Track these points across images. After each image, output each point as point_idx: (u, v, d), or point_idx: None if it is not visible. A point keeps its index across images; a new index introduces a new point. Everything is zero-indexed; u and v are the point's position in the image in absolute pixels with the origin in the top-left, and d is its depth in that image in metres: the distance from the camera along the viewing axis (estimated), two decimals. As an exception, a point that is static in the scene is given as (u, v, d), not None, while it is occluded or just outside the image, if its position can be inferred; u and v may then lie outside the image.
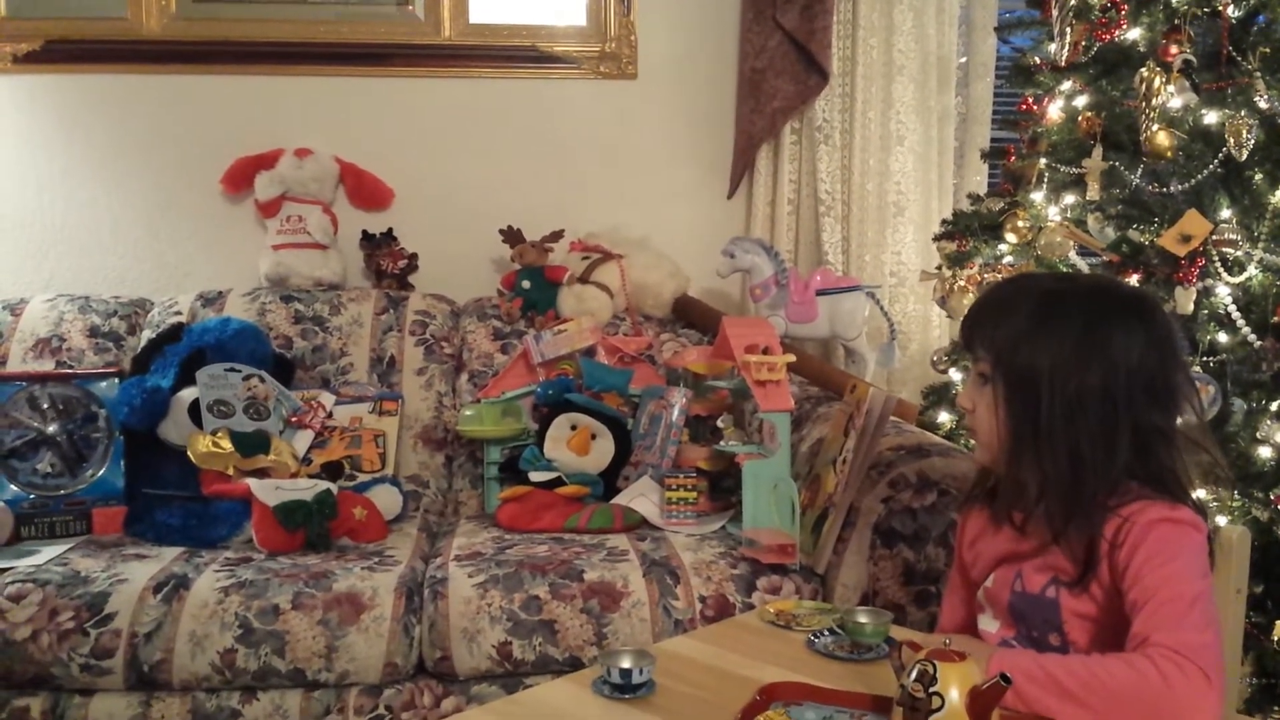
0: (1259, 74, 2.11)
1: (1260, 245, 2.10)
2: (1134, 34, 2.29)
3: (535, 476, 2.56)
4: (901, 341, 3.10)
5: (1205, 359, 2.13)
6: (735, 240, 2.95)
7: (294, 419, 2.64)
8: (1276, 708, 2.04)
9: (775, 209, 3.22)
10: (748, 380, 2.34)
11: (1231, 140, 2.08)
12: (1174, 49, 2.15)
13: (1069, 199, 2.39)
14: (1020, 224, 2.42)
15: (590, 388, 2.71)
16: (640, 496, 2.52)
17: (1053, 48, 2.43)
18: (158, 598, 2.07)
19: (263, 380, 2.61)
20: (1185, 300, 2.08)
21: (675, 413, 2.58)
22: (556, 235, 3.08)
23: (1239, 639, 1.52)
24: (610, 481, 2.61)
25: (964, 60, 3.29)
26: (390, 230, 3.19)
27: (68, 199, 3.16)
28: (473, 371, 2.90)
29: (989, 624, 1.47)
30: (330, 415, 2.69)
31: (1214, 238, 2.08)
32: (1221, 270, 2.09)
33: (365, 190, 3.19)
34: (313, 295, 2.98)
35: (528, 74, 3.23)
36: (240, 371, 2.59)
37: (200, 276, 3.13)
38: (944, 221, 2.78)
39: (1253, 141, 2.07)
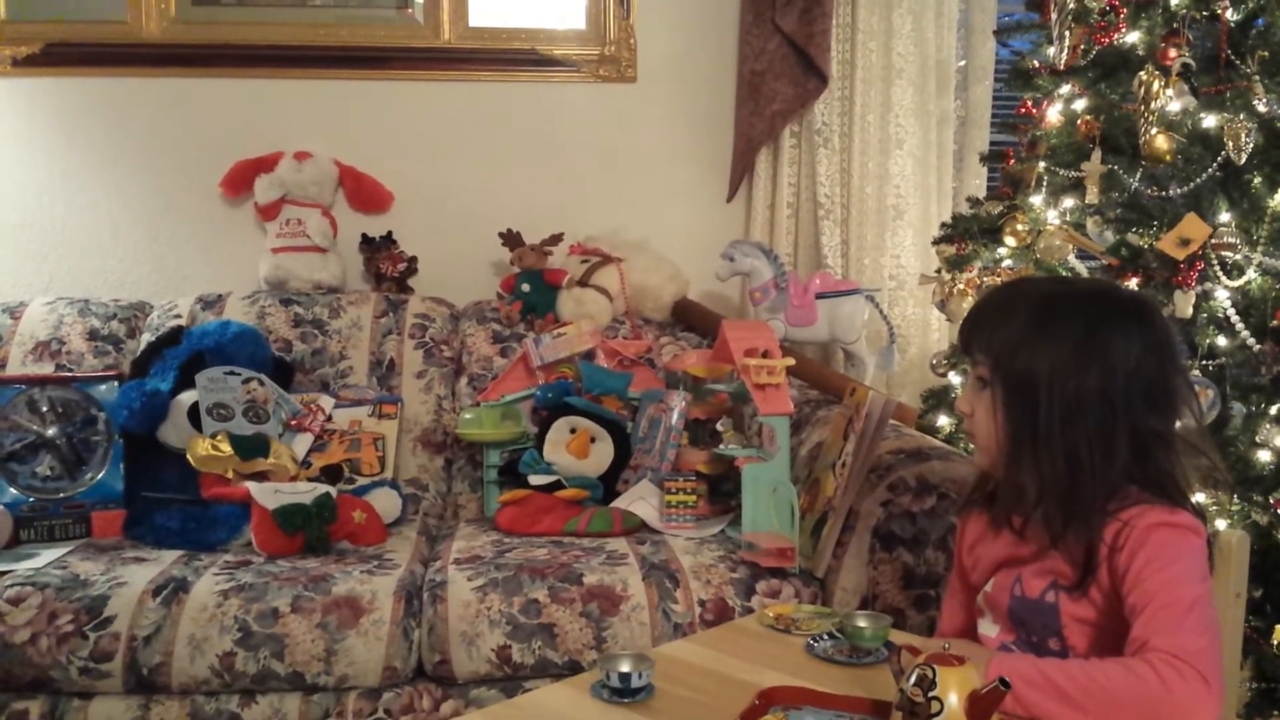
0: (1258, 77, 2.11)
1: (1259, 249, 2.10)
2: (1133, 37, 2.29)
3: (534, 480, 2.56)
4: (901, 345, 3.11)
5: (1204, 363, 2.13)
6: (734, 243, 2.96)
7: (293, 422, 2.64)
8: (1276, 712, 2.04)
9: (774, 212, 3.22)
10: (747, 384, 2.34)
11: (1230, 144, 2.08)
12: (1173, 52, 2.16)
13: (1068, 202, 2.39)
14: (1019, 227, 2.43)
15: (589, 391, 2.71)
16: (639, 500, 2.52)
17: (1052, 51, 2.43)
18: (157, 601, 2.07)
19: (262, 383, 2.61)
20: (1184, 304, 2.08)
21: (674, 416, 2.58)
22: (556, 238, 3.08)
23: (1238, 643, 1.52)
24: (610, 485, 2.61)
25: (963, 64, 3.29)
26: (390, 233, 3.19)
27: (67, 202, 3.16)
28: (472, 375, 2.90)
29: (989, 628, 1.47)
30: (329, 418, 2.69)
31: (1213, 241, 2.08)
32: (1220, 274, 2.09)
33: (365, 193, 3.19)
34: (312, 298, 2.98)
35: (527, 77, 3.24)
36: (240, 375, 2.59)
37: (200, 279, 3.13)
38: (943, 225, 2.78)
39: (1251, 145, 2.07)
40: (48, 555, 2.29)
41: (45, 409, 2.56)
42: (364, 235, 3.19)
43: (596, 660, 1.74)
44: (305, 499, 2.34)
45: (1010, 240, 2.44)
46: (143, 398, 2.53)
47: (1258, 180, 2.12)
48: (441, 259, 3.20)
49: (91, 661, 2.02)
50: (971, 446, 1.66)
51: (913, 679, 1.15)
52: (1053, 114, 2.46)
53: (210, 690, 2.05)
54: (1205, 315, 2.12)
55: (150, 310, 2.98)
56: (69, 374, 2.72)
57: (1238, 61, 2.16)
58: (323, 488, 2.42)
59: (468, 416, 2.72)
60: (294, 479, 2.52)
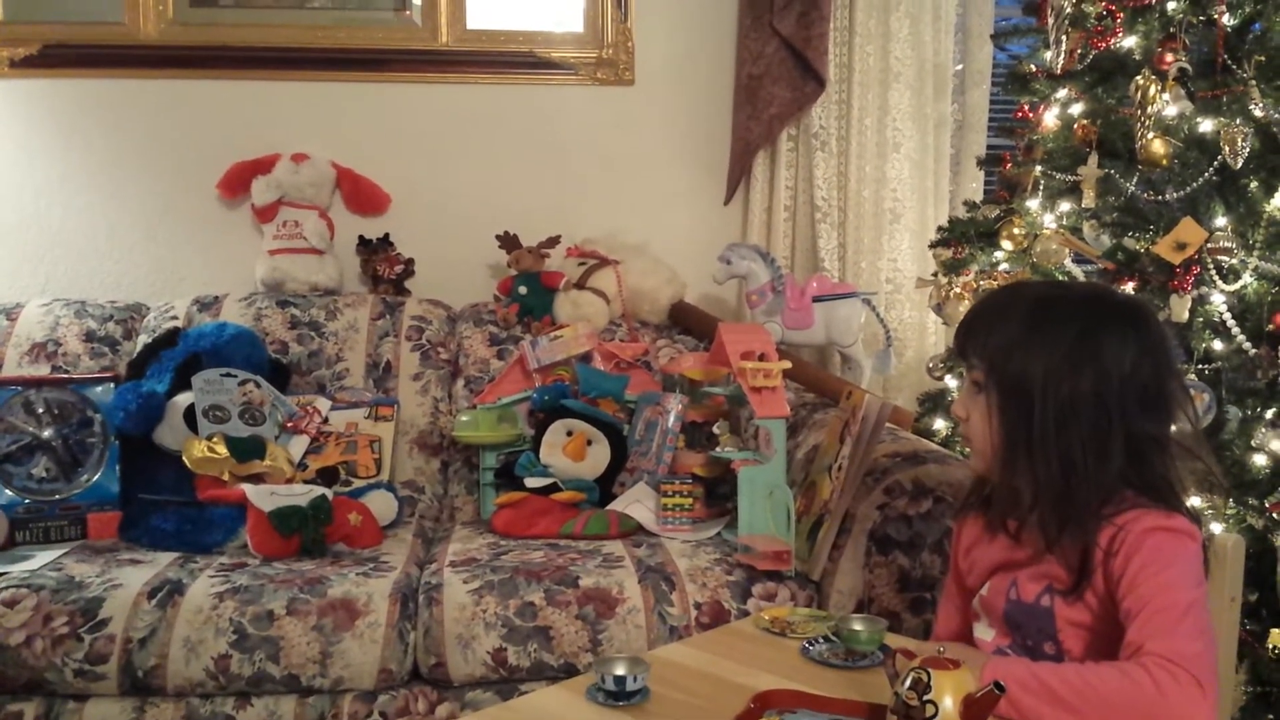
0: (1254, 82, 2.11)
1: (1255, 253, 2.10)
2: (1129, 42, 2.29)
3: (531, 482, 2.56)
4: (897, 348, 3.11)
5: (1200, 367, 2.13)
6: (732, 247, 2.96)
7: (290, 424, 2.64)
8: (1271, 716, 2.04)
9: (772, 215, 3.22)
10: (744, 387, 2.34)
11: (1227, 148, 2.08)
12: (1169, 57, 2.16)
13: (1064, 206, 2.40)
14: (1016, 231, 2.43)
15: (586, 393, 2.71)
16: (636, 502, 2.52)
17: (1048, 55, 2.43)
18: (152, 603, 2.07)
19: (258, 385, 2.61)
20: (1180, 308, 2.08)
21: (671, 419, 2.58)
22: (553, 241, 3.08)
23: (1233, 647, 1.53)
24: (606, 487, 2.61)
25: (960, 68, 3.30)
26: (387, 235, 3.19)
27: (64, 203, 3.16)
28: (469, 377, 2.90)
29: (984, 632, 1.47)
30: (326, 420, 2.69)
31: (1209, 245, 2.08)
32: (1216, 278, 2.09)
33: (362, 195, 3.19)
34: (309, 300, 2.98)
35: (525, 80, 3.24)
36: (236, 377, 2.58)
37: (196, 281, 3.13)
38: (940, 228, 2.79)
39: (1248, 149, 2.07)
40: (43, 557, 2.29)
41: (41, 410, 2.56)
42: (361, 237, 3.19)
43: (592, 663, 1.74)
44: (301, 501, 2.34)
45: (1007, 244, 2.45)
46: (139, 399, 2.52)
47: (1254, 185, 2.12)
48: (439, 261, 3.20)
49: (86, 664, 2.01)
50: (967, 450, 1.66)
51: (908, 682, 1.16)
52: (1049, 118, 2.46)
53: (205, 693, 2.05)
54: (1201, 319, 2.12)
55: (147, 312, 2.98)
56: (65, 375, 2.72)
57: (1234, 66, 2.16)
58: (319, 490, 2.42)
59: (464, 419, 2.72)
60: (290, 481, 2.51)
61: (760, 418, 2.31)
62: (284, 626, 2.05)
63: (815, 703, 1.33)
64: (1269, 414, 2.09)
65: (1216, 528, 1.98)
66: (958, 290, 2.54)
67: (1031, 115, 2.55)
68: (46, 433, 2.55)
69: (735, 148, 3.24)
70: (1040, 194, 2.46)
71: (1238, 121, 2.09)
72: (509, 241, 3.07)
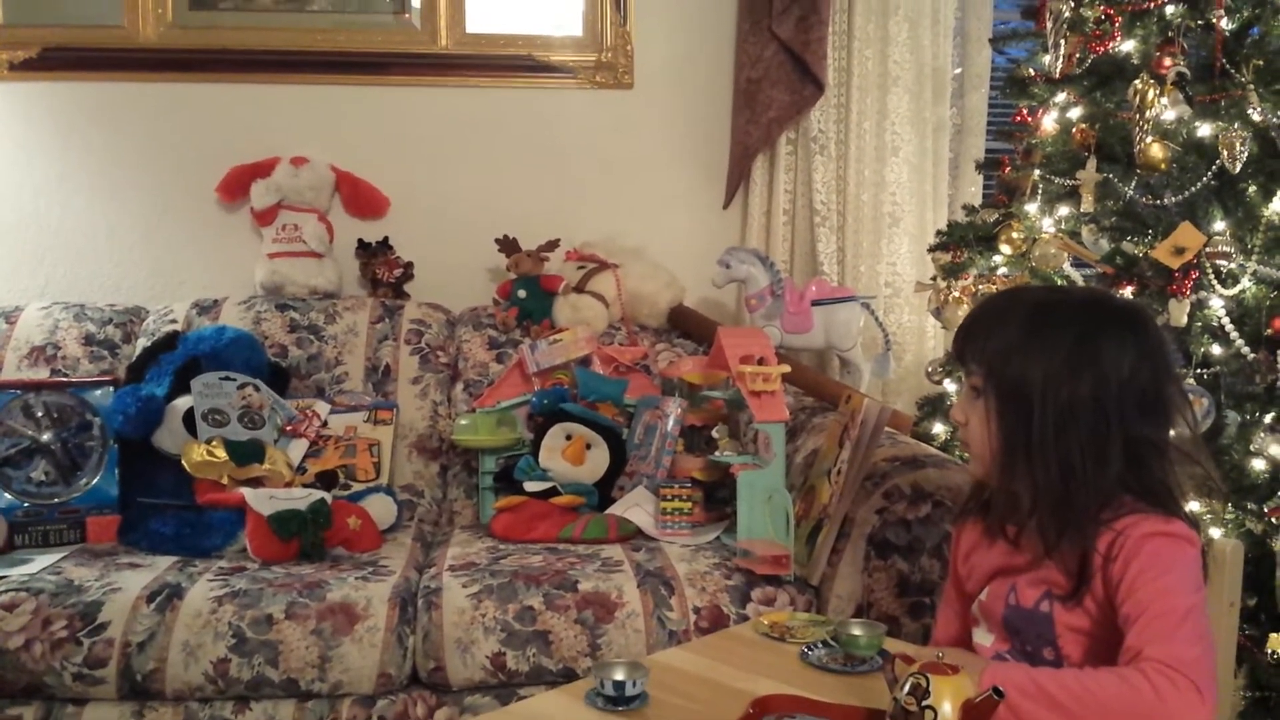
0: (1252, 86, 2.12)
1: (1254, 257, 2.11)
2: (1128, 46, 2.30)
3: (530, 486, 2.56)
4: (896, 352, 3.11)
5: (1199, 371, 2.14)
6: (730, 250, 2.96)
7: (289, 428, 2.64)
8: (1270, 720, 2.05)
9: (770, 219, 3.22)
10: (743, 391, 2.34)
11: (1225, 153, 2.09)
12: (1167, 61, 2.17)
13: (1063, 210, 2.40)
14: (1015, 235, 2.44)
15: (585, 397, 2.71)
16: (635, 507, 2.52)
17: (1047, 60, 2.44)
18: (151, 607, 2.06)
19: (257, 389, 2.60)
20: (1179, 312, 2.08)
21: (670, 423, 2.58)
22: (552, 245, 3.08)
23: (1232, 652, 1.53)
24: (605, 491, 2.61)
25: (959, 72, 3.30)
26: (386, 239, 3.19)
27: (64, 206, 3.15)
28: (468, 381, 2.90)
29: (984, 637, 1.47)
30: (325, 424, 2.69)
31: (1208, 250, 2.09)
32: (1215, 282, 2.10)
33: (361, 199, 3.19)
34: (308, 304, 2.97)
35: (524, 83, 3.24)
36: (235, 380, 2.58)
37: (196, 284, 3.13)
38: (939, 233, 2.79)
39: (1246, 154, 2.08)
40: (42, 561, 2.29)
41: (40, 414, 2.55)
42: (360, 241, 3.19)
43: (591, 668, 1.74)
44: (300, 505, 2.33)
45: (1005, 248, 2.45)
46: (138, 403, 2.52)
47: (1252, 189, 2.13)
48: (438, 265, 3.20)
49: (85, 668, 2.01)
50: (966, 455, 1.66)
51: (907, 687, 1.16)
52: (1048, 122, 2.47)
53: (204, 697, 2.05)
54: (1200, 324, 2.13)
55: (146, 315, 2.97)
56: (64, 379, 2.72)
57: (1232, 70, 2.17)
58: (318, 493, 2.41)
59: (463, 422, 2.72)
60: (289, 485, 2.52)
61: (759, 422, 2.31)
62: (283, 630, 2.05)
63: (814, 708, 1.33)
64: (1268, 418, 2.09)
65: (1215, 532, 1.98)
66: (956, 294, 2.55)
67: (1030, 119, 2.56)
68: (45, 436, 2.54)
69: (734, 151, 3.24)
70: (1039, 198, 2.47)
71: (1236, 126, 2.10)
72: (508, 245, 3.07)
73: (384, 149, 3.21)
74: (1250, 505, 2.04)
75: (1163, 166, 2.14)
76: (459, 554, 2.35)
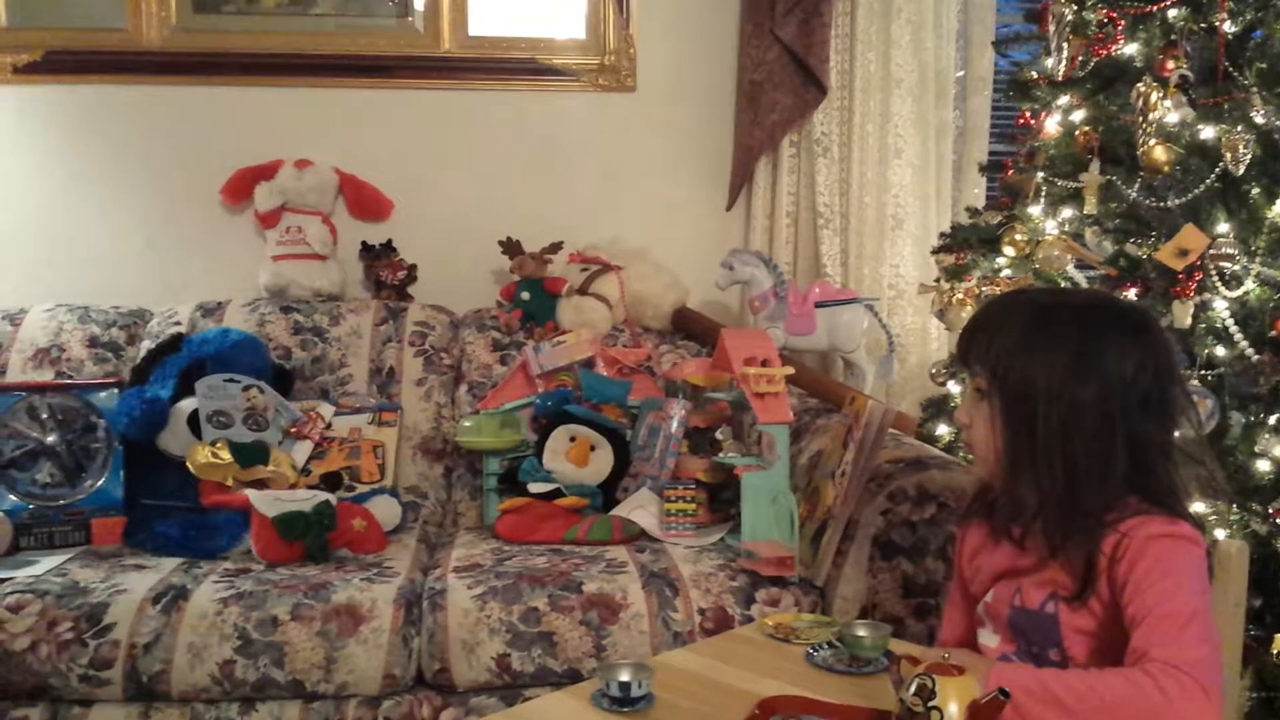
0: (1255, 89, 2.12)
1: (1257, 259, 2.11)
2: (1131, 49, 2.30)
3: (534, 488, 2.56)
4: (900, 354, 3.11)
5: (1203, 373, 2.14)
6: (734, 252, 2.96)
7: (293, 430, 2.65)
8: (1275, 722, 2.05)
9: (774, 221, 3.23)
10: (746, 392, 2.35)
11: (1228, 155, 2.09)
12: (1170, 64, 2.16)
13: (1067, 213, 2.40)
14: (1018, 237, 2.43)
15: (589, 399, 2.72)
16: (639, 508, 2.53)
17: (1050, 62, 2.44)
18: (157, 608, 2.07)
19: (262, 391, 2.61)
20: (1183, 314, 2.08)
21: (674, 424, 2.58)
22: (555, 247, 3.09)
23: (1238, 653, 1.53)
24: (609, 493, 2.62)
25: (962, 74, 3.30)
26: (389, 241, 3.19)
27: (67, 209, 3.16)
28: (472, 383, 2.90)
29: (989, 638, 1.48)
30: (329, 426, 2.69)
31: (1211, 252, 2.08)
32: (1219, 284, 2.10)
33: (365, 201, 3.20)
34: (312, 306, 2.98)
35: (527, 86, 3.24)
36: (239, 382, 2.59)
37: (200, 287, 3.13)
38: (942, 235, 2.79)
39: (1249, 156, 2.08)
40: (47, 562, 2.29)
41: (45, 416, 2.56)
42: (364, 243, 3.19)
43: (596, 669, 1.75)
44: (305, 507, 2.34)
45: (1009, 250, 2.45)
46: (143, 405, 2.53)
47: (1256, 191, 2.13)
48: (441, 267, 3.20)
49: (91, 669, 2.02)
50: (970, 456, 1.67)
51: (912, 688, 1.16)
52: (1051, 125, 2.47)
53: (210, 698, 2.06)
54: (1204, 325, 2.12)
55: (150, 317, 2.98)
56: (69, 381, 2.73)
57: (1235, 73, 2.17)
58: (322, 495, 2.42)
59: (467, 424, 2.72)
60: (294, 486, 2.52)
61: (763, 423, 2.31)
62: (288, 632, 2.05)
63: (820, 709, 1.33)
64: (1272, 419, 2.09)
65: (1220, 534, 1.98)
66: (960, 296, 2.55)
67: (1033, 122, 2.56)
68: (51, 438, 2.55)
69: (737, 154, 3.25)
70: (1042, 200, 2.47)
71: (1239, 128, 2.10)
72: (511, 247, 3.07)
73: (387, 151, 3.21)
74: (1255, 506, 2.04)
75: (1166, 169, 2.13)
76: (464, 555, 2.36)
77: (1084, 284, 2.40)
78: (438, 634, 2.10)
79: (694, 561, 2.27)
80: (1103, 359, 1.34)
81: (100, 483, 2.55)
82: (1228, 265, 2.09)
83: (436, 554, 2.44)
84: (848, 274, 3.20)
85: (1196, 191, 2.15)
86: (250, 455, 2.50)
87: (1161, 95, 2.13)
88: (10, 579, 2.17)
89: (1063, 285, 2.37)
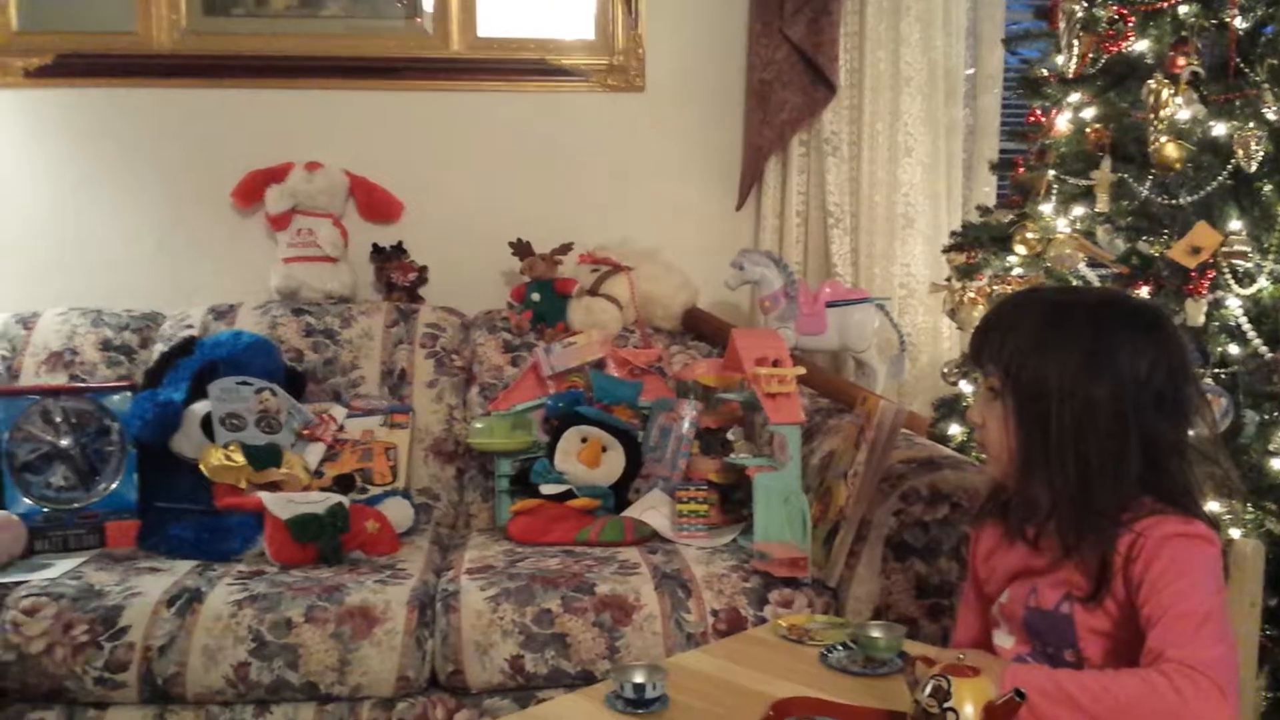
0: (1267, 85, 2.11)
1: (1270, 257, 2.10)
2: (1141, 46, 2.30)
3: (546, 489, 2.56)
4: (911, 354, 3.10)
5: (1217, 371, 2.13)
6: (744, 252, 2.96)
7: (306, 432, 2.65)
8: (1290, 720, 2.04)
9: (784, 221, 3.23)
10: (758, 393, 2.34)
11: (1240, 152, 2.08)
12: (1181, 61, 2.16)
13: (1078, 211, 2.40)
14: (1029, 236, 2.43)
15: (600, 400, 2.72)
16: (651, 509, 2.52)
17: (1060, 59, 2.44)
18: (171, 611, 2.08)
19: (274, 393, 2.61)
20: (1196, 312, 2.08)
21: (685, 425, 2.58)
22: (566, 248, 3.09)
23: (1254, 652, 1.52)
24: (621, 494, 2.61)
25: (971, 72, 3.29)
26: (400, 243, 3.20)
27: (79, 212, 3.17)
28: (483, 384, 2.90)
29: (1004, 639, 1.47)
30: (341, 428, 2.69)
31: (1224, 249, 2.08)
32: (1232, 282, 2.10)
33: (375, 203, 3.20)
34: (323, 308, 2.99)
35: (536, 87, 3.25)
36: (252, 385, 2.59)
37: (211, 290, 3.13)
38: (953, 233, 2.79)
39: (1261, 153, 2.08)
40: (62, 565, 2.30)
41: (59, 419, 2.57)
42: (375, 245, 3.20)
43: (610, 671, 1.75)
44: (318, 509, 2.34)
45: (1020, 249, 2.45)
46: (156, 408, 2.54)
47: (1268, 188, 2.12)
48: (452, 268, 3.21)
49: (107, 672, 2.03)
50: (983, 456, 1.66)
51: (928, 690, 1.16)
52: (1062, 122, 2.46)
53: (225, 700, 2.06)
54: (1217, 323, 2.12)
55: (162, 320, 2.99)
56: (82, 384, 2.74)
57: (1247, 70, 2.16)
58: (335, 497, 2.42)
59: (479, 426, 2.73)
60: (307, 489, 2.52)
61: (775, 424, 2.31)
62: (302, 634, 2.06)
63: (834, 710, 1.33)
64: (1286, 418, 2.09)
65: (1235, 533, 1.98)
66: (971, 295, 2.55)
67: (1044, 119, 2.55)
68: (64, 441, 2.56)
69: (747, 153, 3.25)
70: (1053, 198, 2.46)
71: (1251, 125, 2.10)
72: (522, 248, 3.07)
73: (397, 153, 3.22)
74: (1270, 505, 2.03)
75: (1178, 166, 2.13)
76: (476, 557, 2.36)
77: (1096, 282, 2.40)
78: (451, 636, 2.10)
79: (706, 563, 2.27)
80: (1116, 357, 1.34)
81: (114, 486, 2.56)
82: (1240, 263, 2.09)
83: (449, 555, 2.45)
84: (858, 273, 3.20)
85: (1209, 189, 2.15)
86: (263, 458, 2.50)
87: (1173, 92, 2.13)
88: (25, 582, 2.17)
89: (1075, 284, 2.37)
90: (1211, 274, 2.08)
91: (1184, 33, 2.20)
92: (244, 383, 2.58)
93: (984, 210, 2.77)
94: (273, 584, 2.17)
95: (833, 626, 1.67)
